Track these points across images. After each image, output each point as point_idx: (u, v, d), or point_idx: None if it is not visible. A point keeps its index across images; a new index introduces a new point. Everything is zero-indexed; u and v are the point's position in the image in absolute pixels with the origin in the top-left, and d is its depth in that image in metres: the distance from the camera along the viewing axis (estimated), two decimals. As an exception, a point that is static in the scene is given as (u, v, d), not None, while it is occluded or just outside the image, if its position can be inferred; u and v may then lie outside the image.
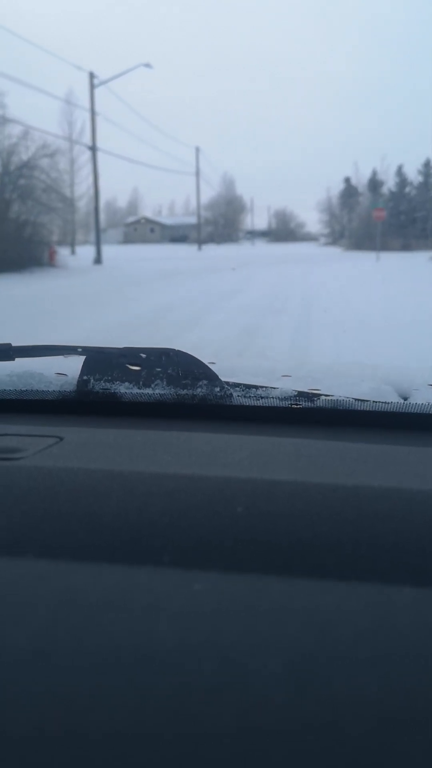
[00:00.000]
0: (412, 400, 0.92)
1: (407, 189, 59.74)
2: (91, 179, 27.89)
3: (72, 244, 43.28)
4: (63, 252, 31.18)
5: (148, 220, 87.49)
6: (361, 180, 67.26)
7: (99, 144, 26.07)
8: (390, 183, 61.09)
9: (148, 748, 0.35)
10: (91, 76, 25.78)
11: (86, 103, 25.29)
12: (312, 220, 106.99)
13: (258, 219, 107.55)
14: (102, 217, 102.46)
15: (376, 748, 0.35)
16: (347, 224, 71.89)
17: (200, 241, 51.95)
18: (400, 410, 0.90)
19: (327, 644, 0.42)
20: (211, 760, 0.34)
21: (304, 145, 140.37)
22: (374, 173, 64.34)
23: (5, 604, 0.47)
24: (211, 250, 48.51)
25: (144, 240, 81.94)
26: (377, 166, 59.95)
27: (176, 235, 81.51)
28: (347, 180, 73.05)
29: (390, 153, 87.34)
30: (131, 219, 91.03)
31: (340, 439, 0.84)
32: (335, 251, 47.72)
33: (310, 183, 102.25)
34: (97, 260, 26.79)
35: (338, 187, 76.86)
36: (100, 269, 23.18)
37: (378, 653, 0.42)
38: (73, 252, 41.93)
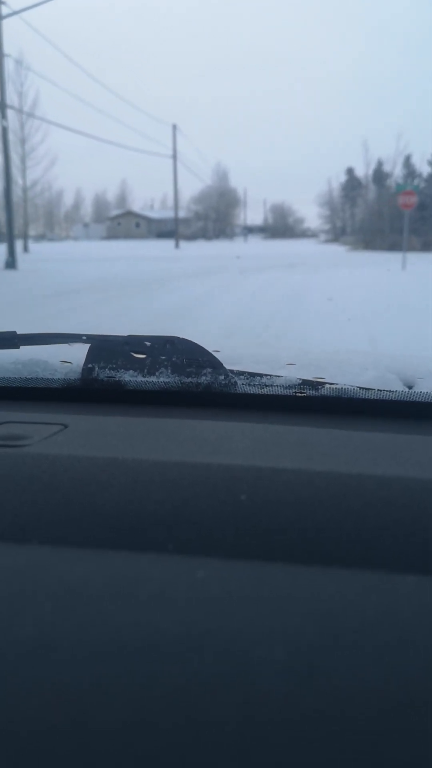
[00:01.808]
0: (416, 389, 0.93)
1: (416, 181, 53.17)
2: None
3: (25, 239, 36.06)
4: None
5: (133, 214, 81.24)
6: (368, 169, 60.16)
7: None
8: (397, 175, 54.22)
9: (151, 737, 0.35)
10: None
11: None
12: (311, 214, 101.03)
13: (255, 214, 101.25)
14: (89, 210, 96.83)
15: (378, 736, 0.35)
16: (349, 219, 66.21)
17: (178, 237, 44.44)
18: (405, 399, 0.91)
19: (330, 632, 0.42)
20: (214, 748, 0.34)
21: (304, 136, 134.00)
22: (380, 164, 57.73)
23: (9, 591, 0.47)
24: (193, 248, 41.45)
25: (128, 235, 75.82)
26: (393, 145, 52.78)
27: (164, 229, 75.11)
28: (350, 171, 67.08)
29: (397, 144, 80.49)
30: (115, 213, 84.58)
31: (344, 428, 0.84)
32: (338, 250, 40.70)
33: (311, 176, 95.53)
34: (10, 264, 19.27)
35: (340, 178, 70.18)
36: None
37: (381, 641, 0.42)
38: (25, 249, 34.79)
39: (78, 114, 43.23)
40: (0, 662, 0.40)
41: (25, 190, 37.10)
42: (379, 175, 57.46)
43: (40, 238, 77.88)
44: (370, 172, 59.05)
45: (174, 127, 41.74)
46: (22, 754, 0.34)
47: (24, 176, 36.87)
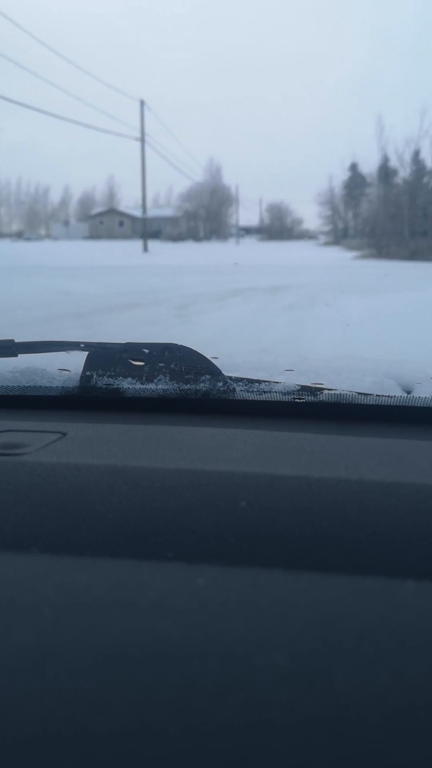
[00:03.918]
0: (414, 394, 0.94)
1: (425, 179, 46.87)
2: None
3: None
4: None
5: (117, 212, 74.64)
6: (384, 151, 53.43)
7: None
8: (402, 172, 47.76)
9: (153, 744, 0.35)
10: None
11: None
12: (311, 215, 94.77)
13: (251, 214, 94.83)
14: (76, 208, 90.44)
15: (379, 741, 0.35)
16: (352, 220, 60.25)
17: (146, 239, 37.22)
18: (403, 404, 0.92)
19: (330, 638, 0.42)
20: (216, 755, 0.34)
21: (303, 133, 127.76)
22: (385, 159, 51.15)
23: (9, 600, 0.47)
24: (167, 253, 34.54)
25: (112, 235, 69.40)
26: (417, 123, 46.44)
27: (150, 228, 68.48)
28: (353, 167, 60.81)
29: (399, 138, 74.11)
30: (96, 211, 77.98)
31: (343, 434, 0.85)
32: (343, 257, 34.01)
33: (311, 175, 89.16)
34: None
35: (344, 174, 63.66)
36: None
37: (381, 647, 0.42)
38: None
39: (62, 103, 36.63)
40: (1, 671, 0.40)
41: None
42: (385, 172, 51.07)
43: (17, 237, 72.29)
44: (386, 155, 52.32)
45: (142, 102, 34.82)
46: (23, 763, 0.34)
47: None
